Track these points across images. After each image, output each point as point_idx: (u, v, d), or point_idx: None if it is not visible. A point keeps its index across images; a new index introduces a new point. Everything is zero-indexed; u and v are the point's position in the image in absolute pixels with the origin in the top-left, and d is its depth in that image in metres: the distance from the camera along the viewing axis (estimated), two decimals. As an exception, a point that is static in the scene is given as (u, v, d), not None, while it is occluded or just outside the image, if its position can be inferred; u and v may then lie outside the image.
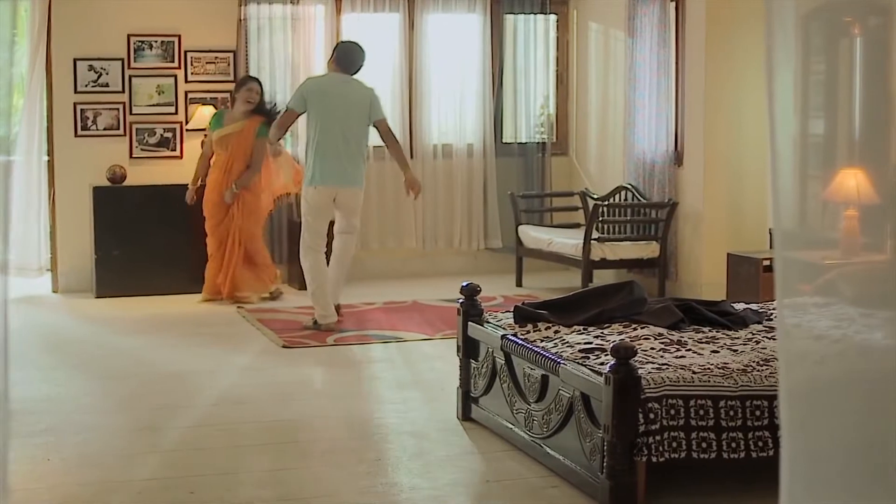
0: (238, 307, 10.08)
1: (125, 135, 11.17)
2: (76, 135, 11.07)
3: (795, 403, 2.73)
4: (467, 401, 6.65)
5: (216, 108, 11.02)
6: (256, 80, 10.60)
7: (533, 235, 11.30)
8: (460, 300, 6.72)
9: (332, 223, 9.37)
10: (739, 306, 6.70)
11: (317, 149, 9.07)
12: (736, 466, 5.24)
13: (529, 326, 6.27)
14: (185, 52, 11.32)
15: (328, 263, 9.37)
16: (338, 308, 9.43)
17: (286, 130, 9.66)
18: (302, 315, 9.72)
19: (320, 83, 9.27)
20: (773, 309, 6.72)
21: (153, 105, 11.19)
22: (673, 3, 10.57)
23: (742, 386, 5.24)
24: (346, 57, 9.28)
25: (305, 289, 11.01)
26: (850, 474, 2.67)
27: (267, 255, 10.74)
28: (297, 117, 9.33)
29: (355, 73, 9.27)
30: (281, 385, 7.66)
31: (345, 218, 9.32)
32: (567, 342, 5.86)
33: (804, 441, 2.70)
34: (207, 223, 10.51)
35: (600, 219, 10.68)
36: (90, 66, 11.06)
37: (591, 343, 5.79)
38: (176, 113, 11.28)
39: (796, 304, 2.85)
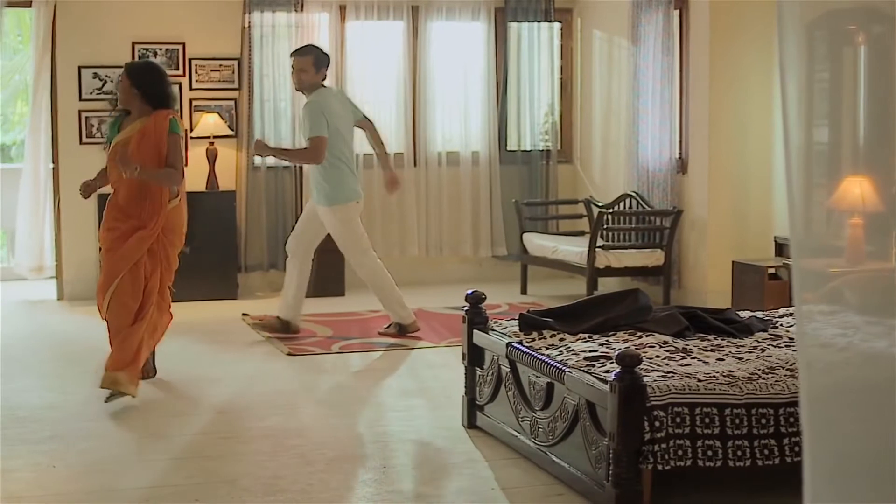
0: (243, 314, 10.06)
1: (130, 142, 11.18)
2: (81, 142, 11.08)
3: (811, 410, 2.73)
4: (472, 408, 6.66)
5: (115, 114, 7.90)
6: (130, 68, 7.74)
7: (538, 243, 11.31)
8: (465, 308, 6.73)
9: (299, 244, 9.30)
10: (745, 314, 6.70)
11: (343, 165, 8.94)
12: (742, 474, 5.23)
13: (535, 334, 6.28)
14: (190, 59, 11.33)
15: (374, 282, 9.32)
16: (413, 325, 9.27)
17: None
18: (306, 322, 9.71)
19: (329, 100, 8.97)
20: (779, 317, 6.73)
21: (158, 113, 11.18)
22: (677, 11, 10.58)
23: (748, 394, 5.24)
24: (328, 65, 9.14)
25: (310, 295, 11.04)
26: (858, 483, 2.67)
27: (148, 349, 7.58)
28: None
29: None
30: (286, 393, 7.66)
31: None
32: (572, 350, 5.87)
33: (820, 447, 2.71)
34: (106, 279, 7.34)
35: (605, 226, 10.68)
36: (95, 73, 11.08)
37: (596, 351, 5.80)
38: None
39: (803, 312, 2.85)
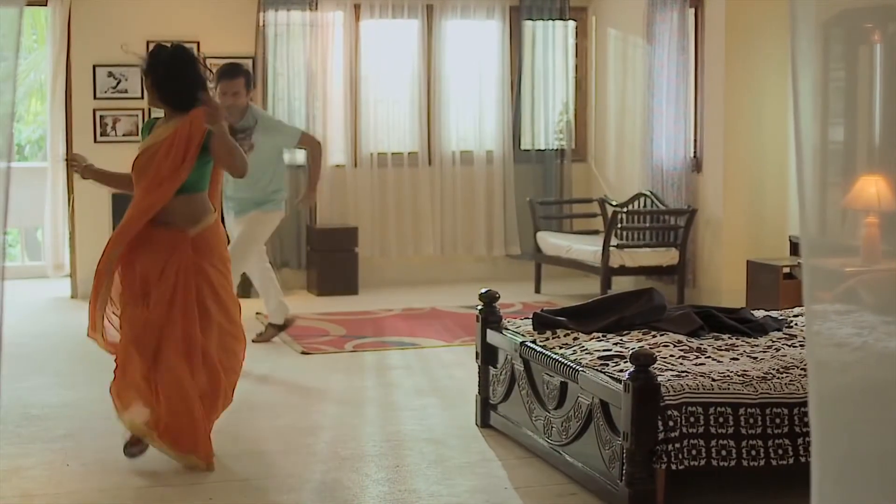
0: (257, 313, 10.06)
1: (144, 141, 11.20)
2: (95, 141, 11.10)
3: (820, 410, 2.72)
4: (486, 408, 6.65)
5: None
6: (147, 63, 6.07)
7: (552, 242, 11.29)
8: (479, 307, 6.72)
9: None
10: (759, 314, 6.68)
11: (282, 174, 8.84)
12: (756, 474, 5.21)
13: (548, 333, 6.26)
14: (205, 58, 11.24)
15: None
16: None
17: None
18: (320, 321, 9.71)
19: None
20: (794, 316, 6.71)
21: (172, 111, 11.19)
22: (692, 10, 10.56)
23: (762, 394, 5.22)
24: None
25: (324, 294, 11.06)
26: (873, 483, 2.66)
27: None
28: None
29: None
30: (299, 391, 7.66)
31: None
32: (586, 349, 5.85)
33: (829, 448, 2.69)
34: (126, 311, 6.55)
35: (619, 225, 10.66)
36: (109, 72, 11.09)
37: (610, 350, 5.78)
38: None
39: (817, 311, 2.84)
